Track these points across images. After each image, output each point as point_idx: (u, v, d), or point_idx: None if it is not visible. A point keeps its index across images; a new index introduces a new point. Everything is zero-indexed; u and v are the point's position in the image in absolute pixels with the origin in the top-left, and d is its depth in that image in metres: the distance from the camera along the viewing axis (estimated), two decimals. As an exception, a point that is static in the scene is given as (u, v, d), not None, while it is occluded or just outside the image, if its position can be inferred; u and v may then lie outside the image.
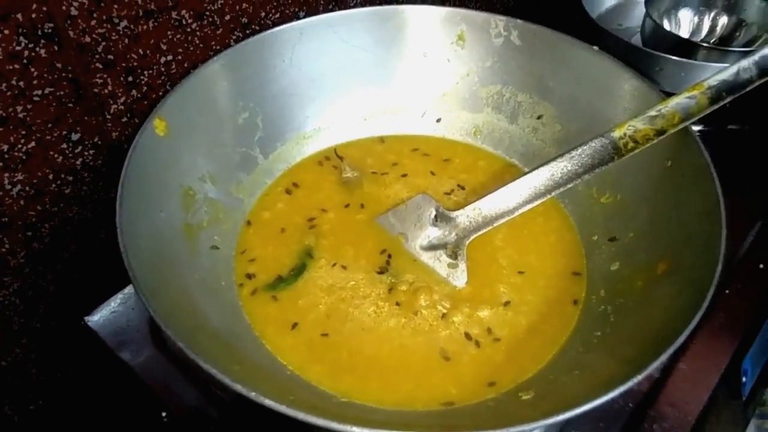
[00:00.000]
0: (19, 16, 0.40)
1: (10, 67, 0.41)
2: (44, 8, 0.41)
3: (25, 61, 0.41)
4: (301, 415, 0.29)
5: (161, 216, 0.44)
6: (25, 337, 0.53)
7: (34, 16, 0.40)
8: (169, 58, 0.50)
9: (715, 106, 0.46)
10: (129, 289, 0.51)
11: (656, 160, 0.47)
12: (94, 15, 0.44)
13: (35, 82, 0.42)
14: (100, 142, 0.49)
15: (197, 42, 0.52)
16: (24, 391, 0.56)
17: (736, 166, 0.55)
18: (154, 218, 0.43)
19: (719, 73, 0.46)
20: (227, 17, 0.53)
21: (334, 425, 0.29)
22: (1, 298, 0.49)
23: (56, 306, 0.53)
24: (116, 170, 0.51)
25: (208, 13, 0.51)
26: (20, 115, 0.43)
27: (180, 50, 0.51)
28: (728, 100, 0.46)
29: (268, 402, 0.29)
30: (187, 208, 0.47)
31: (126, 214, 0.38)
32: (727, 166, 0.44)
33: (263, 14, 0.56)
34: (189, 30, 0.51)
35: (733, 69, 0.46)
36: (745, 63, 0.46)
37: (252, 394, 0.29)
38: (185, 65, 0.52)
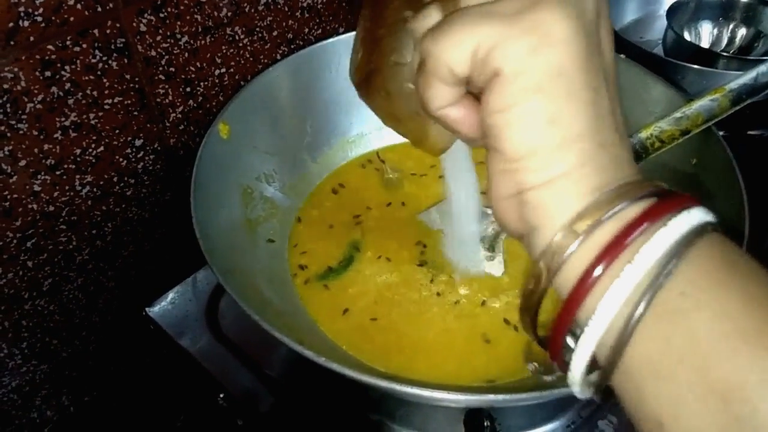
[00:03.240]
0: (95, 31, 0.43)
1: (86, 78, 0.44)
2: (117, 24, 0.44)
3: (99, 72, 0.44)
4: (365, 378, 0.32)
5: (225, 211, 0.47)
6: (85, 330, 0.55)
7: (108, 31, 0.43)
8: (223, 70, 0.53)
9: (736, 108, 0.47)
10: (184, 284, 0.54)
11: (682, 158, 0.49)
12: (160, 31, 0.47)
13: (106, 91, 0.45)
14: (159, 148, 0.52)
15: (247, 56, 0.55)
16: (81, 383, 0.58)
17: (756, 170, 0.56)
18: (220, 212, 0.46)
19: (739, 77, 0.48)
20: (275, 33, 0.56)
21: (395, 387, 0.31)
22: (66, 292, 0.51)
23: (114, 301, 0.56)
24: (172, 174, 0.54)
25: (258, 29, 0.54)
26: (92, 122, 0.46)
27: (232, 63, 0.54)
28: (748, 102, 0.47)
29: (335, 366, 0.32)
30: (246, 204, 0.50)
31: (198, 207, 0.41)
32: (747, 170, 0.45)
33: (306, 30, 0.60)
34: (241, 45, 0.54)
35: (752, 74, 0.47)
36: (764, 68, 0.47)
37: (321, 360, 0.32)
38: (236, 77, 0.55)
